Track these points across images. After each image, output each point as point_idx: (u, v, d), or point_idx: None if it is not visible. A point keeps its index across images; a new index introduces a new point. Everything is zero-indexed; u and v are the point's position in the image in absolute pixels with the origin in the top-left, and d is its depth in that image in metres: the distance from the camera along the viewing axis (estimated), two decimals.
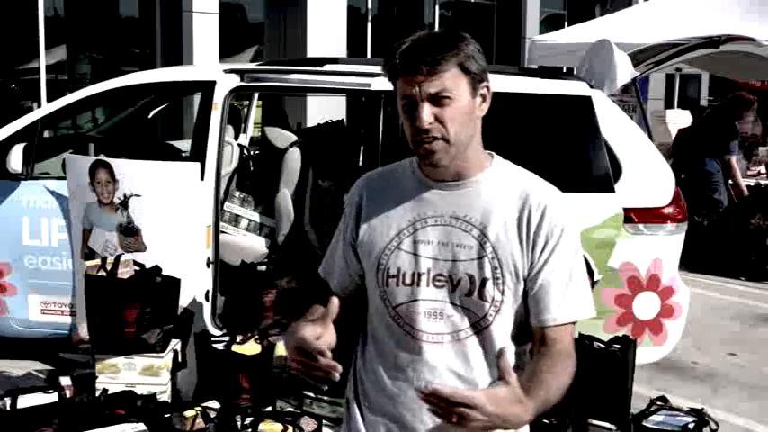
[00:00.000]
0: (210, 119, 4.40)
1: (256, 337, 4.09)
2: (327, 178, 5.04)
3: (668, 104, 16.20)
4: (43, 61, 9.12)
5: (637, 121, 5.47)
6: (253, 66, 5.07)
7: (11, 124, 4.85)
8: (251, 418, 3.57)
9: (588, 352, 3.76)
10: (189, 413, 3.63)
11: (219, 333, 4.27)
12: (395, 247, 1.82)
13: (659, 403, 3.91)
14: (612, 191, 4.33)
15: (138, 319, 3.76)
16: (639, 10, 9.92)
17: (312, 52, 10.44)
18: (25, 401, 3.56)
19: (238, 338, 4.07)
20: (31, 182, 4.68)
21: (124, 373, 3.82)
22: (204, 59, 9.49)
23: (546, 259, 1.77)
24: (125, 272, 3.92)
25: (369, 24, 12.57)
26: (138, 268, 3.98)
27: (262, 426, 3.56)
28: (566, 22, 15.36)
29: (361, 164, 4.77)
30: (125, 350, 3.81)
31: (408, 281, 1.80)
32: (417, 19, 13.72)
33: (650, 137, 5.01)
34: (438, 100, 1.71)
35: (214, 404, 3.75)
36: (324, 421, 3.71)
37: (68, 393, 3.71)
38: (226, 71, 4.55)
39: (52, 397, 3.64)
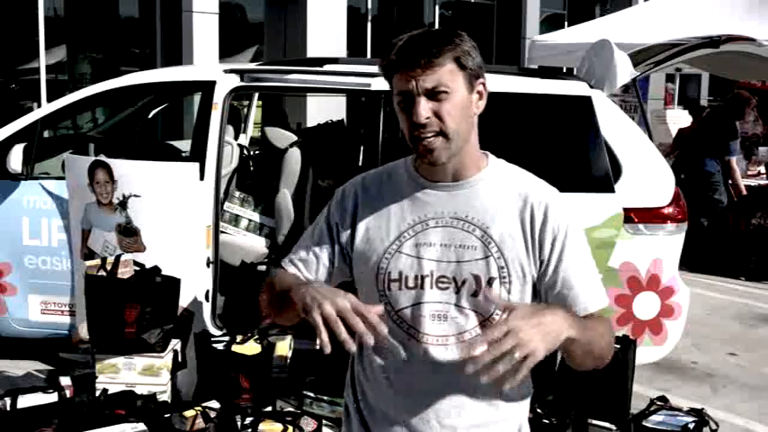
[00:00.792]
0: (210, 119, 4.40)
1: (256, 337, 4.09)
2: (327, 178, 5.04)
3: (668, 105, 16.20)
4: (43, 61, 9.12)
5: (638, 122, 5.46)
6: (253, 66, 5.07)
7: (11, 124, 4.85)
8: (251, 418, 3.58)
9: None
10: (189, 413, 3.63)
11: (219, 333, 4.27)
12: (395, 250, 1.80)
13: (659, 403, 3.91)
14: (612, 191, 4.33)
15: (138, 319, 3.76)
16: (639, 10, 9.92)
17: (312, 52, 10.43)
18: (25, 401, 3.56)
19: (238, 338, 4.07)
20: (30, 182, 4.68)
21: (124, 373, 3.82)
22: (204, 59, 9.48)
23: (559, 257, 1.77)
24: (125, 272, 3.92)
25: (369, 24, 12.57)
26: (137, 268, 3.98)
27: (262, 426, 3.56)
28: (566, 23, 15.36)
29: (361, 164, 4.77)
30: (125, 350, 3.81)
31: (411, 284, 1.78)
32: (417, 19, 13.72)
33: (650, 137, 5.00)
34: (435, 95, 1.69)
35: (214, 404, 3.75)
36: (324, 421, 3.71)
37: (68, 393, 3.71)
38: (226, 71, 4.55)
39: (52, 397, 3.64)
